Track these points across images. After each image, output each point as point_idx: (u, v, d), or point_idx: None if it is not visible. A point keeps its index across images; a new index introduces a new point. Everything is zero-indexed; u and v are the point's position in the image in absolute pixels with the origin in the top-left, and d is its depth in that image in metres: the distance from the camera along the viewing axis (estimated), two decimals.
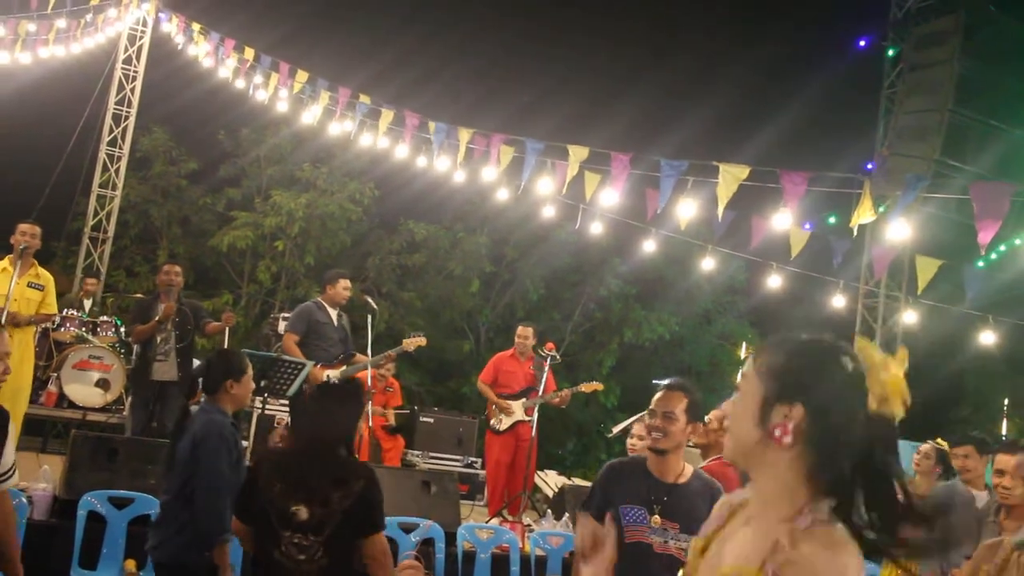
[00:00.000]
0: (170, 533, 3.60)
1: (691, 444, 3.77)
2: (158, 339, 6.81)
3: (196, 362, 6.71)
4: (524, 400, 7.90)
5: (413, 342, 7.40)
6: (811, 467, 1.42)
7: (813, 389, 1.43)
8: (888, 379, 1.40)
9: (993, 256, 11.16)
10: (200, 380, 3.88)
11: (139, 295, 12.10)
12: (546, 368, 7.84)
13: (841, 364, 1.44)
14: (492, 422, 8.00)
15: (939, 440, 6.02)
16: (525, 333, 8.11)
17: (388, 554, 3.20)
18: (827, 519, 1.39)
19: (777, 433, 1.43)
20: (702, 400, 3.40)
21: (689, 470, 3.32)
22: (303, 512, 3.04)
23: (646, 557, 3.13)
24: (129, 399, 8.47)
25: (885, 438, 1.40)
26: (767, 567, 1.37)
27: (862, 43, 11.97)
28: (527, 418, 7.83)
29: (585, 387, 8.27)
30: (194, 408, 3.93)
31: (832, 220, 10.82)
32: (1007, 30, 11.15)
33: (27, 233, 6.39)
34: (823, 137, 18.88)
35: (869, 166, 12.73)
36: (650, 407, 3.34)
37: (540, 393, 7.74)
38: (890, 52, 11.21)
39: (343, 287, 7.22)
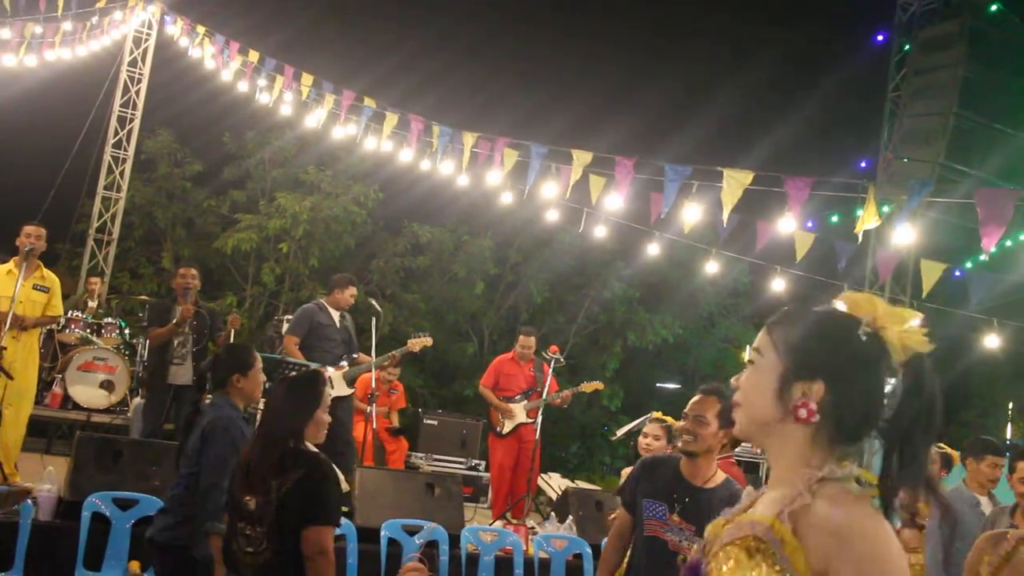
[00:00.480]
0: (172, 520, 3.66)
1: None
2: (175, 342, 6.78)
3: None
4: (525, 402, 7.91)
5: (419, 342, 7.39)
6: (831, 438, 1.43)
7: (832, 365, 1.44)
8: (906, 331, 1.42)
9: (983, 258, 11.17)
10: (208, 376, 3.90)
11: (144, 296, 12.13)
12: (547, 370, 7.85)
13: (857, 335, 1.45)
14: (495, 426, 8.01)
15: (941, 444, 6.01)
16: (527, 343, 8.08)
17: (327, 554, 3.01)
18: (843, 478, 1.39)
19: (802, 413, 1.43)
20: None
21: (721, 477, 3.36)
22: (252, 503, 3.02)
23: (660, 552, 3.21)
24: (134, 400, 8.50)
25: (920, 380, 1.40)
26: (783, 512, 1.36)
27: (880, 38, 11.85)
28: (529, 420, 7.83)
29: (586, 387, 8.27)
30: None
31: (835, 219, 10.80)
32: (1012, 34, 11.14)
33: (32, 235, 6.39)
34: (828, 142, 18.91)
35: (863, 164, 12.74)
36: (684, 411, 3.38)
37: (542, 395, 7.75)
38: (905, 47, 11.16)
39: (350, 294, 7.23)
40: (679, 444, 3.41)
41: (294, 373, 4.81)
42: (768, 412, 1.47)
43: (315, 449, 3.21)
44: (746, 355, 1.55)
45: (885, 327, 1.43)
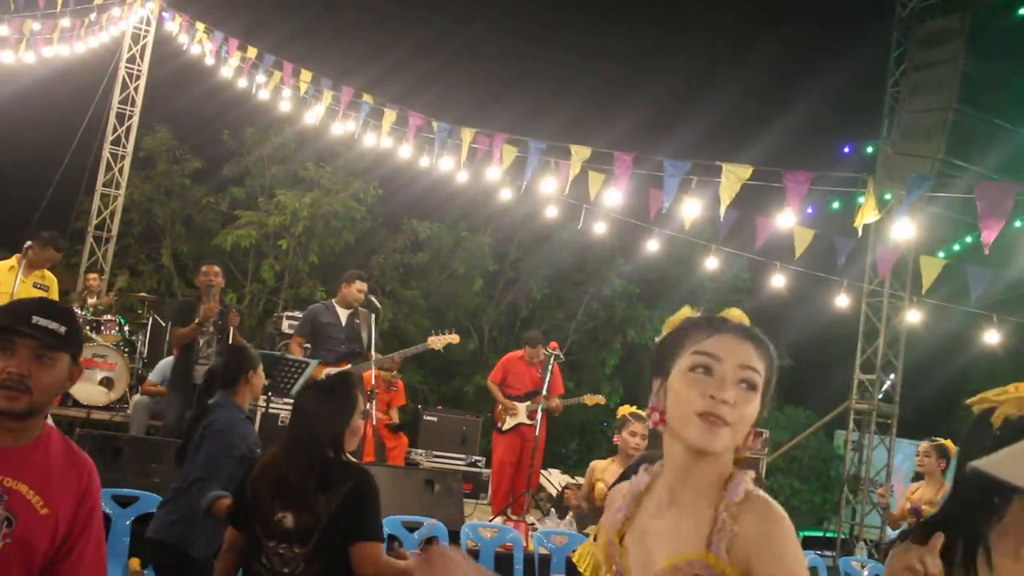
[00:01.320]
0: (171, 517, 3.67)
1: None
2: (201, 341, 6.74)
3: None
4: (528, 403, 7.91)
5: (442, 340, 7.32)
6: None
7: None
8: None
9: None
10: (219, 376, 3.92)
11: (143, 293, 12.13)
12: (550, 368, 7.85)
13: None
14: (497, 422, 8.02)
15: (933, 438, 5.99)
16: (535, 354, 8.06)
17: (379, 568, 2.84)
18: (754, 488, 1.46)
19: (750, 443, 1.51)
20: None
21: None
22: (288, 520, 2.80)
23: None
24: (134, 397, 8.49)
25: None
26: (714, 546, 1.41)
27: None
28: (530, 421, 7.84)
29: (588, 399, 8.28)
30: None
31: (836, 205, 10.73)
32: (1012, 29, 11.11)
33: (54, 260, 6.54)
34: (828, 137, 18.90)
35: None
36: None
37: (543, 396, 7.74)
38: (904, 42, 11.14)
39: (357, 288, 7.18)
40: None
41: (295, 382, 4.83)
42: (742, 443, 1.51)
43: (355, 460, 3.08)
44: (731, 368, 1.49)
45: None
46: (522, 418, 7.89)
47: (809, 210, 8.74)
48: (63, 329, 2.04)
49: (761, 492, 1.46)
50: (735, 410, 1.45)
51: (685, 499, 1.49)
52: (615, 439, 5.06)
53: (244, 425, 3.77)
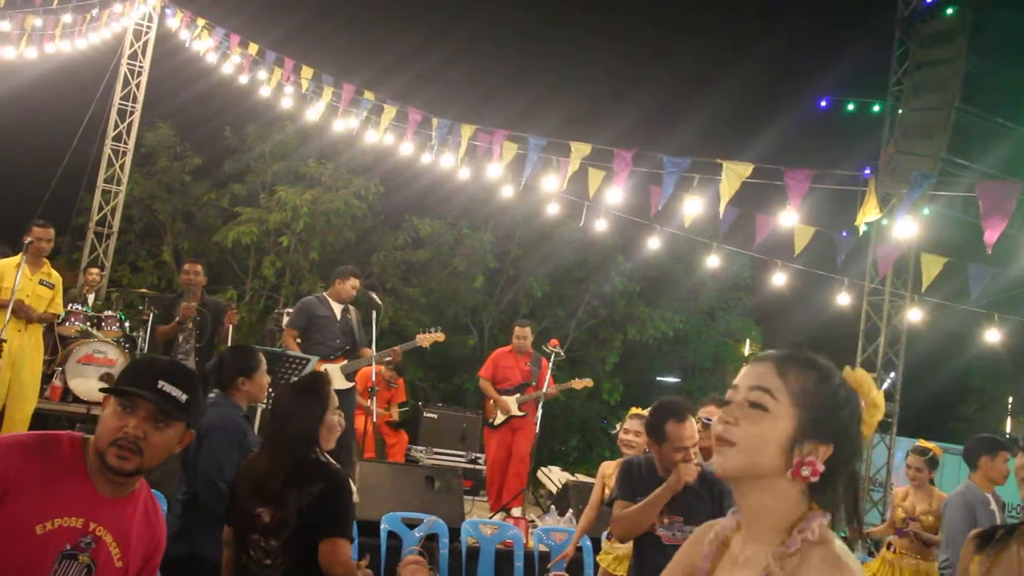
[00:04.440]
0: (177, 524, 3.60)
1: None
2: (180, 338, 6.79)
3: None
4: (518, 396, 7.90)
5: (429, 337, 7.32)
6: (819, 494, 1.40)
7: (845, 431, 1.40)
8: (877, 414, 1.43)
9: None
10: (213, 377, 3.89)
11: (143, 290, 12.13)
12: (544, 363, 7.84)
13: (860, 405, 1.44)
14: (488, 418, 8.02)
15: (922, 442, 5.85)
16: (523, 334, 8.06)
17: (346, 566, 2.93)
18: (821, 535, 1.36)
19: (805, 471, 1.37)
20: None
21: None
22: (265, 515, 2.94)
23: (657, 548, 3.43)
24: None
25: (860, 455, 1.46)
26: None
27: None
28: (521, 413, 7.84)
29: (576, 383, 8.23)
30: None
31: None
32: (1014, 28, 11.10)
33: (42, 238, 6.49)
34: (829, 135, 18.88)
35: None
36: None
37: (540, 388, 7.73)
38: (906, 41, 11.14)
39: (351, 286, 7.17)
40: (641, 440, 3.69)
41: (296, 378, 4.84)
42: (774, 466, 1.39)
43: (330, 459, 3.13)
44: (743, 390, 1.42)
45: (869, 405, 1.45)
46: (513, 411, 7.89)
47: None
48: (184, 397, 2.10)
49: (828, 539, 1.35)
50: (739, 433, 1.42)
51: (757, 540, 1.42)
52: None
53: (243, 422, 3.77)
